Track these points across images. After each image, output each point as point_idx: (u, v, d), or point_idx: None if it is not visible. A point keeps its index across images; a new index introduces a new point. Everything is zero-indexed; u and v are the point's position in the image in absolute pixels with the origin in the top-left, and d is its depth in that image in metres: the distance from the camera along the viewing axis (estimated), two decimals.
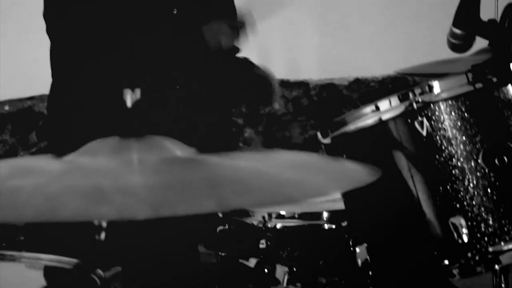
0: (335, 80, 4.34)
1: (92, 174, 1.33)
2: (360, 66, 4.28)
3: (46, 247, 2.11)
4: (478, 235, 1.81)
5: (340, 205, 2.12)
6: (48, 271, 1.95)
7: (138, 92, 1.49)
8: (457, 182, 1.82)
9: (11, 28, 3.74)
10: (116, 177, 1.30)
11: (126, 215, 1.17)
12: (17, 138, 3.98)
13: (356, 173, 1.41)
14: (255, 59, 4.45)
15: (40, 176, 1.32)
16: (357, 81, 4.32)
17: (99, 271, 2.06)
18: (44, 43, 2.40)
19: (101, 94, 2.00)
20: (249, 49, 4.37)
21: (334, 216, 2.18)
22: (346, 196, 1.99)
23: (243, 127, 4.23)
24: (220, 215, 2.33)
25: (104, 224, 1.48)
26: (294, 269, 2.08)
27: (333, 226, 2.18)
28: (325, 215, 2.19)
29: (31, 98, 3.98)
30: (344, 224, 2.17)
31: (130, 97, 1.50)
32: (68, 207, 1.19)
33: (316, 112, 4.34)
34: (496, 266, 1.80)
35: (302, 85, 4.35)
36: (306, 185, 1.30)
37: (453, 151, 1.82)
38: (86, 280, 2.02)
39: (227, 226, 2.31)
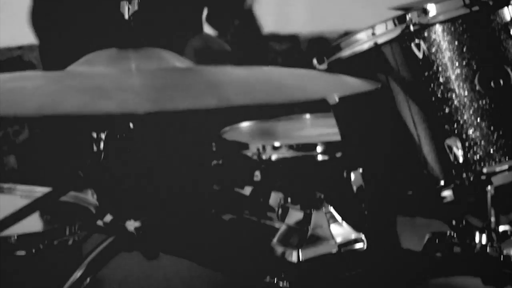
0: (325, 33, 4.33)
1: (91, 78, 1.33)
2: (350, 18, 4.27)
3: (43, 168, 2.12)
4: (473, 156, 1.82)
5: (335, 138, 2.13)
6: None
7: (135, 4, 1.49)
8: (453, 104, 1.83)
9: None
10: (115, 79, 1.30)
11: (127, 109, 1.17)
12: None
13: (354, 82, 1.42)
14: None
15: (40, 79, 1.32)
16: (347, 34, 4.31)
17: (93, 200, 2.07)
18: None
19: (98, 6, 1.99)
20: None
21: (329, 147, 2.19)
22: (341, 122, 2.00)
23: None
24: (214, 149, 2.33)
25: (102, 136, 1.48)
26: (289, 199, 2.09)
27: (327, 157, 2.19)
28: (320, 146, 2.20)
29: (20, 48, 3.95)
30: (338, 155, 2.18)
31: (127, 9, 1.49)
32: (70, 102, 1.19)
33: (306, 65, 4.34)
34: (489, 187, 1.81)
35: (292, 38, 4.34)
36: (306, 88, 1.30)
37: (449, 74, 1.83)
38: (81, 210, 2.03)
39: (221, 161, 2.31)
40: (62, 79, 1.31)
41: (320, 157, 2.19)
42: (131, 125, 1.52)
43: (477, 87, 1.82)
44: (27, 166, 2.59)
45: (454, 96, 1.83)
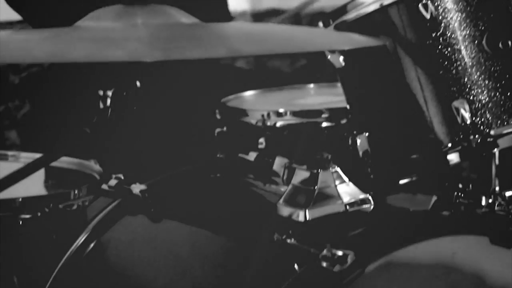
0: (326, 9, 4.31)
1: (99, 30, 1.32)
2: None
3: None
4: (480, 118, 1.81)
5: (340, 104, 2.13)
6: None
7: None
8: (460, 66, 1.82)
9: None
10: (123, 31, 1.29)
11: (136, 57, 1.16)
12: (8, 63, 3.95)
13: (363, 38, 1.41)
14: None
15: (47, 32, 1.31)
16: None
17: (97, 167, 2.06)
18: None
19: None
20: None
21: (334, 114, 2.19)
22: (346, 86, 1.99)
23: None
24: (218, 116, 2.32)
25: (109, 93, 1.47)
26: (294, 165, 2.08)
27: (333, 124, 2.18)
28: (325, 113, 2.19)
29: (21, 22, 3.93)
30: (343, 121, 2.17)
31: None
32: (79, 51, 1.18)
33: None
34: (495, 150, 1.80)
35: (293, 14, 4.32)
36: (316, 40, 1.29)
37: (457, 35, 1.82)
38: (85, 177, 2.02)
39: (225, 128, 2.30)
40: (69, 32, 1.30)
41: (325, 124, 2.19)
42: (138, 83, 1.51)
43: (485, 48, 1.81)
44: (29, 141, 2.57)
45: (461, 57, 1.82)
